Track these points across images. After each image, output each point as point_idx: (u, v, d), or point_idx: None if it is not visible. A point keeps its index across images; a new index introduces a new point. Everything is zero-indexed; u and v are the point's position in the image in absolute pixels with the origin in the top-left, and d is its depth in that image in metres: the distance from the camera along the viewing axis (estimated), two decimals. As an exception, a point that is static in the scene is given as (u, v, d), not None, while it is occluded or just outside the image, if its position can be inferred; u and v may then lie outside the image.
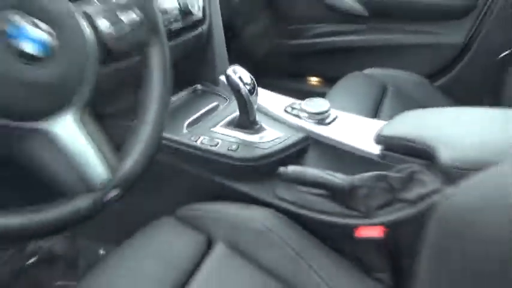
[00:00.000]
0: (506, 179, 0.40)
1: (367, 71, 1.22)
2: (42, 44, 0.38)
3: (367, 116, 1.01)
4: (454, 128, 0.64)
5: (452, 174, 0.56)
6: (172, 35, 0.78)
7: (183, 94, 0.92)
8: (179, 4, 0.79)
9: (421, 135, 0.64)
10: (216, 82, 0.93)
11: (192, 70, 0.94)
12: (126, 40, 0.49)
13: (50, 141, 0.41)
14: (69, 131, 0.42)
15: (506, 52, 1.16)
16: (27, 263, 0.98)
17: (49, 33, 0.39)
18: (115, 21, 0.48)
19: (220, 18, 0.94)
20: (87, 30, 0.44)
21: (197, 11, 0.84)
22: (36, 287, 0.97)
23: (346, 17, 1.37)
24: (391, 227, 0.64)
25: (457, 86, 1.28)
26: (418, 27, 1.32)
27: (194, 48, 0.89)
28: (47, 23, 0.39)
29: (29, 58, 0.38)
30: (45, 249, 0.98)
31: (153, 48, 0.52)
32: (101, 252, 0.96)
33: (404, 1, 1.30)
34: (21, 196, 0.45)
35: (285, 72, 1.58)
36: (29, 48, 0.37)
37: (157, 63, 0.52)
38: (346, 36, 1.41)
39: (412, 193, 0.63)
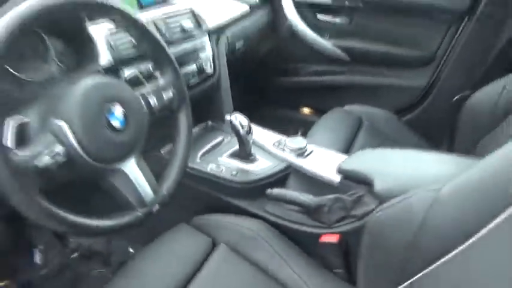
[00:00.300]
0: (411, 207, 0.61)
1: (347, 107, 1.47)
2: (121, 121, 0.65)
3: (344, 146, 1.26)
4: (389, 165, 0.89)
5: (383, 198, 0.81)
6: (190, 87, 1.06)
7: (197, 128, 1.19)
8: (196, 66, 1.07)
9: (366, 170, 0.88)
10: (222, 119, 1.20)
11: (204, 110, 1.20)
12: (165, 109, 0.76)
13: (122, 175, 0.67)
14: (132, 168, 0.69)
15: (459, 96, 1.41)
16: (71, 257, 1.24)
17: (124, 114, 0.66)
18: (159, 97, 0.75)
19: (226, 70, 1.21)
20: (144, 106, 0.71)
21: (209, 69, 1.12)
22: (76, 277, 1.22)
23: (332, 60, 1.63)
24: (345, 235, 0.88)
25: (420, 122, 1.51)
26: (389, 72, 1.56)
27: (206, 95, 1.16)
28: (123, 107, 0.66)
29: (114, 129, 0.64)
30: (85, 246, 1.24)
31: (181, 113, 0.79)
32: (130, 250, 1.21)
33: (378, 51, 1.54)
34: (102, 207, 0.70)
35: (282, 103, 1.83)
36: (115, 124, 0.64)
37: (184, 122, 0.79)
38: (331, 75, 1.66)
39: (359, 211, 0.88)
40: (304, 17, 1.60)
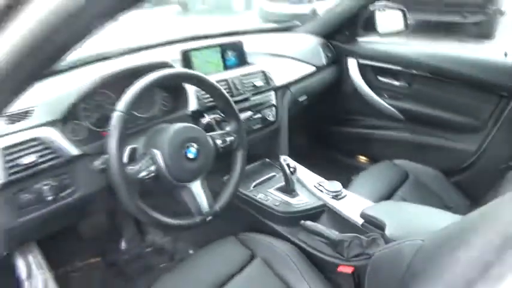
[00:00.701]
0: (402, 252, 0.75)
1: (396, 161, 1.63)
2: (194, 154, 0.95)
3: (385, 195, 1.42)
4: (402, 217, 1.06)
5: (390, 242, 0.98)
6: (254, 130, 1.34)
7: (256, 163, 1.47)
8: (261, 115, 1.36)
9: (383, 217, 1.07)
10: (277, 158, 1.46)
11: (265, 149, 1.48)
12: (227, 148, 1.05)
13: (189, 191, 0.97)
14: (197, 187, 0.98)
15: (505, 164, 1.48)
16: (146, 250, 1.57)
17: (197, 149, 0.95)
18: (223, 140, 1.04)
19: (286, 120, 1.48)
20: (212, 144, 1.01)
21: (271, 118, 1.40)
22: (147, 265, 1.53)
23: (387, 116, 1.81)
24: (358, 268, 1.06)
25: (466, 184, 1.59)
26: (440, 133, 1.68)
27: (267, 137, 1.44)
28: (196, 144, 0.96)
29: (189, 159, 0.94)
30: (158, 243, 1.57)
31: (239, 153, 1.07)
32: (190, 252, 1.51)
33: (431, 114, 1.68)
34: (173, 211, 0.99)
35: (339, 149, 2.03)
36: (190, 155, 0.94)
37: (240, 160, 1.07)
38: (385, 130, 1.83)
39: (372, 250, 1.06)
40: (366, 78, 1.81)
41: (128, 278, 1.48)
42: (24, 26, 0.44)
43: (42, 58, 0.50)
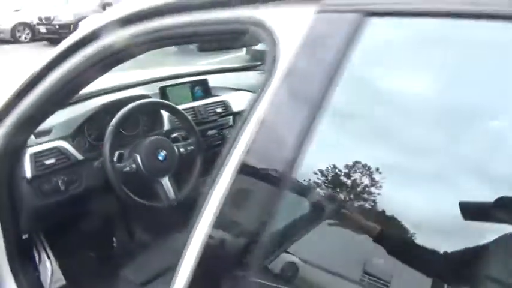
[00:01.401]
0: None
1: None
2: (163, 157, 1.38)
3: None
4: None
5: None
6: (215, 146, 1.77)
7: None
8: (221, 133, 1.79)
9: None
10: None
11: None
12: (189, 155, 1.48)
13: (160, 183, 1.38)
14: (166, 181, 1.40)
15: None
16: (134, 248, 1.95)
17: (165, 154, 1.38)
18: (186, 149, 1.47)
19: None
20: (177, 151, 1.44)
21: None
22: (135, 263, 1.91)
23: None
24: None
25: None
26: None
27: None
28: (165, 150, 1.39)
29: (160, 161, 1.37)
30: (145, 241, 1.96)
31: (197, 158, 1.50)
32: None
33: None
34: (148, 197, 1.40)
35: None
36: (161, 158, 1.37)
37: (198, 162, 1.50)
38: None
39: None
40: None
41: (117, 273, 1.84)
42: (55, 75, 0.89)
43: (63, 96, 0.95)
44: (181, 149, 1.47)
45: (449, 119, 0.49)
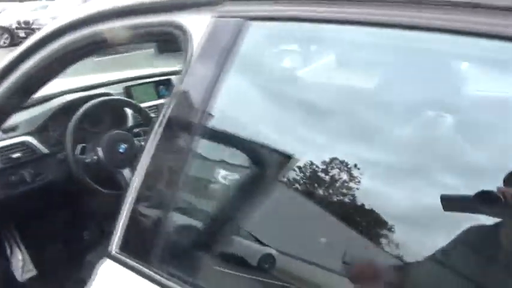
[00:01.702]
0: None
1: None
2: (124, 149, 1.49)
3: None
4: None
5: None
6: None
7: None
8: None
9: None
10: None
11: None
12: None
13: (122, 174, 1.50)
14: (127, 172, 1.52)
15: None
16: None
17: (126, 147, 1.50)
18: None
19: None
20: (138, 145, 1.56)
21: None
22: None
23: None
24: None
25: None
26: None
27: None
28: (126, 143, 1.50)
29: (121, 153, 1.49)
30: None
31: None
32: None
33: None
34: (110, 185, 1.52)
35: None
36: (121, 150, 1.49)
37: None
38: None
39: None
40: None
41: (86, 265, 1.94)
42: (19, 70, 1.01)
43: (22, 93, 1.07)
44: (143, 143, 1.59)
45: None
